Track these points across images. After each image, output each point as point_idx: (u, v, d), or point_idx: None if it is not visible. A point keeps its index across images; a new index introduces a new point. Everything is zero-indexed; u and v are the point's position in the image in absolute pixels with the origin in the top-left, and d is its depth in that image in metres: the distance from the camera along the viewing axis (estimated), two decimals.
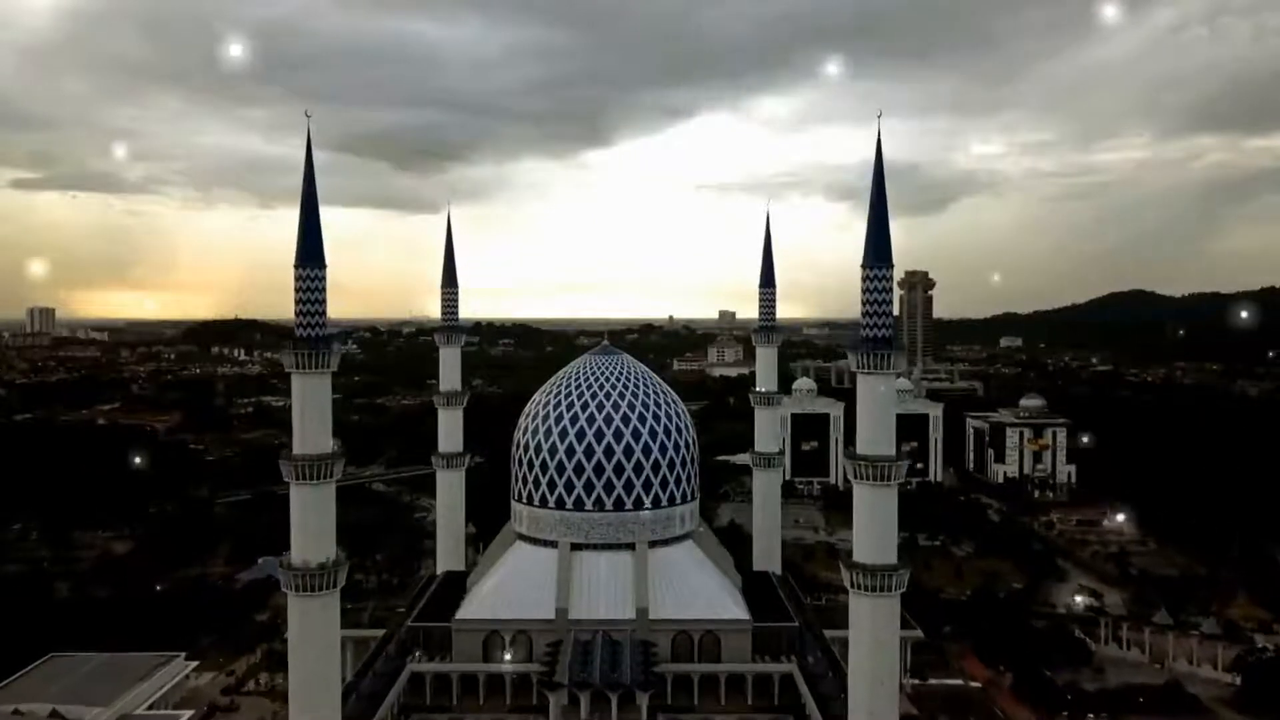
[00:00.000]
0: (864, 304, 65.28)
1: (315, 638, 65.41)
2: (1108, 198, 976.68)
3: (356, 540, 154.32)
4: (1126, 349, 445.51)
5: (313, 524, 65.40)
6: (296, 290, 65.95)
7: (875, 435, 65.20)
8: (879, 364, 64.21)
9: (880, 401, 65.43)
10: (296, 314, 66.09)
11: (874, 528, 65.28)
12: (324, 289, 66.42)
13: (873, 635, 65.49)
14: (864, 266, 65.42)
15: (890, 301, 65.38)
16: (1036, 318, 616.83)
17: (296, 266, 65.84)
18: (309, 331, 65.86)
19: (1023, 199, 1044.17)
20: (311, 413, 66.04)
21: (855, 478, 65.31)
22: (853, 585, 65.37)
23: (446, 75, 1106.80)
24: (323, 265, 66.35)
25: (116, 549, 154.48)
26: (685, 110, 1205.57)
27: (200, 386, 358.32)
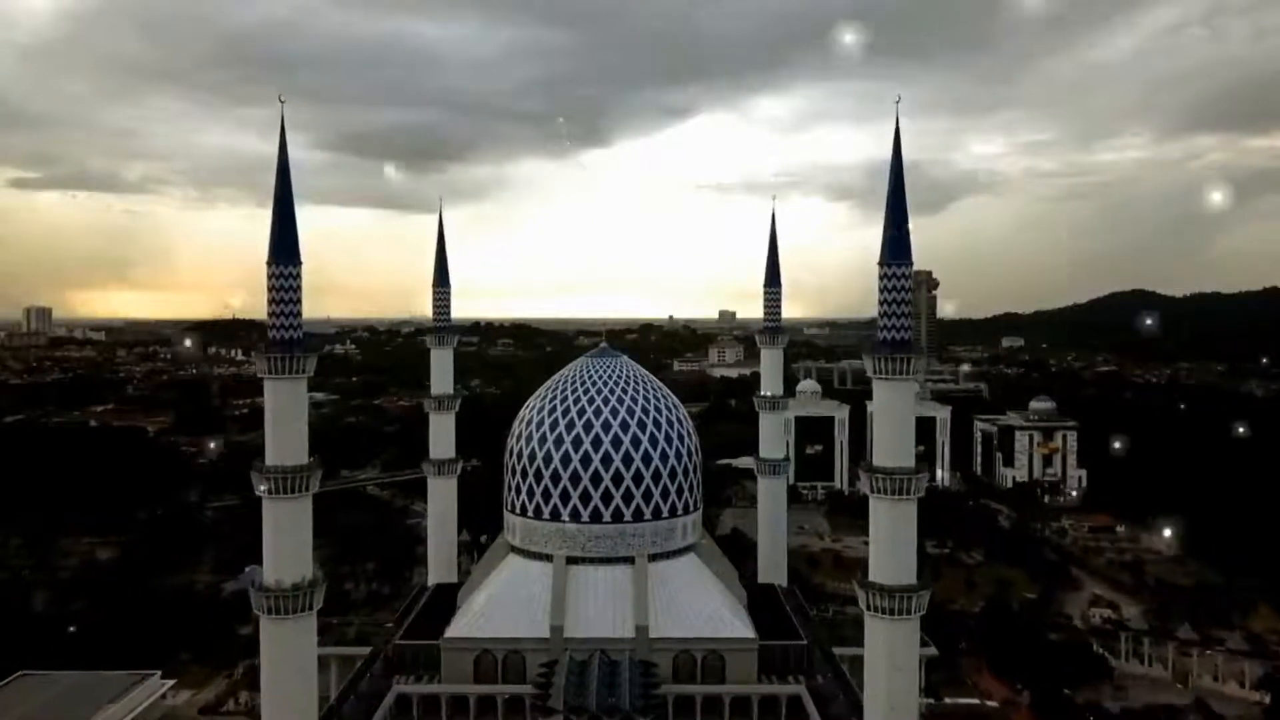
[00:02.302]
0: (881, 304, 60.58)
1: (290, 663, 60.89)
2: (1108, 198, 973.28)
3: (347, 547, 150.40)
4: (1128, 349, 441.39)
5: (287, 541, 60.83)
6: (270, 290, 61.35)
7: (893, 445, 60.48)
8: (898, 369, 59.49)
9: (899, 409, 60.76)
10: (270, 314, 61.50)
11: (892, 545, 60.57)
12: (299, 288, 61.85)
13: (890, 660, 60.78)
14: (881, 264, 60.68)
15: (909, 301, 60.65)
16: (1037, 318, 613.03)
17: (269, 264, 61.19)
18: (283, 333, 61.26)
19: (1023, 199, 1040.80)
20: (286, 421, 61.48)
21: (872, 491, 60.55)
22: (869, 607, 60.59)
23: (445, 75, 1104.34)
24: (298, 262, 61.77)
25: (100, 556, 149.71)
26: (685, 110, 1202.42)
27: (196, 387, 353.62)
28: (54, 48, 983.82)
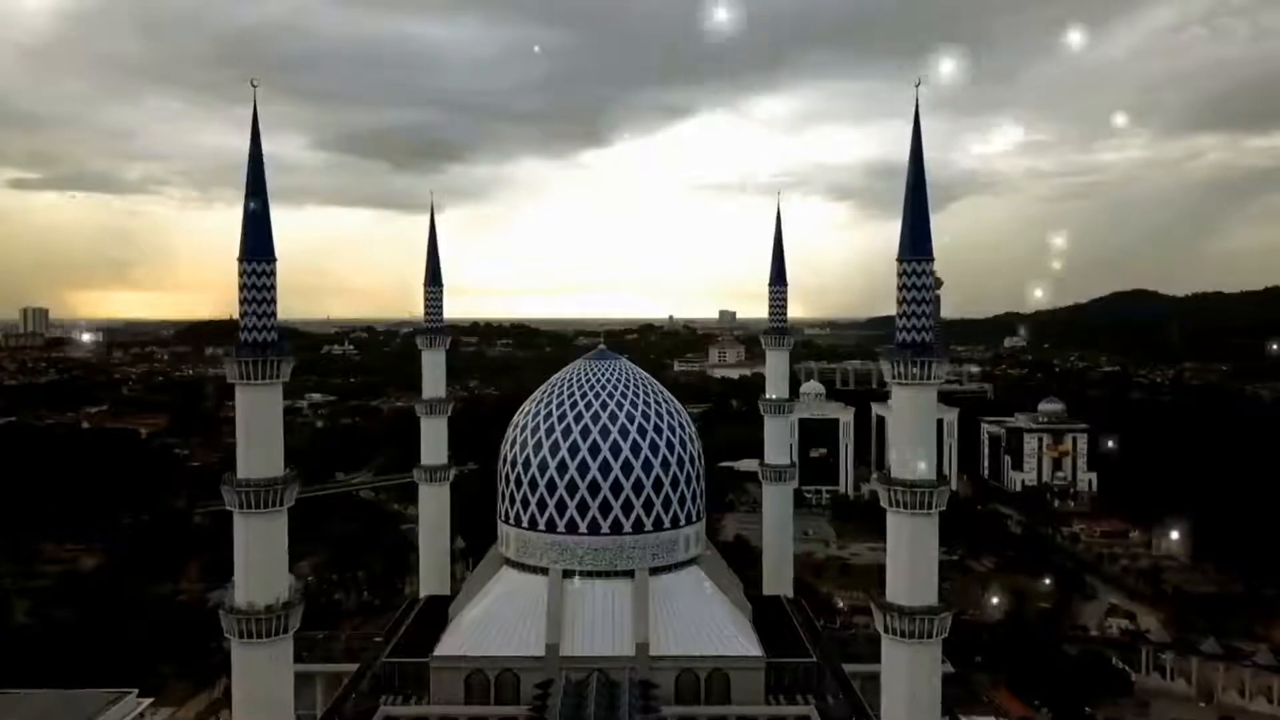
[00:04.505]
0: (900, 302, 56.19)
1: (263, 692, 56.42)
2: (1108, 198, 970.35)
3: (339, 555, 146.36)
4: (1132, 349, 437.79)
5: (260, 559, 56.41)
6: (241, 289, 56.76)
7: (914, 455, 55.92)
8: (919, 373, 55.06)
9: (920, 417, 56.33)
10: (241, 315, 56.97)
11: (911, 563, 56.19)
12: (274, 286, 57.34)
13: (910, 687, 56.62)
14: (900, 260, 56.36)
15: (931, 300, 56.32)
16: (1038, 318, 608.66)
17: (240, 260, 56.74)
18: (256, 335, 56.86)
19: (1023, 199, 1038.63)
20: (259, 430, 57.06)
21: (890, 505, 56.07)
22: (887, 630, 56.29)
23: (445, 75, 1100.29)
24: (272, 259, 57.32)
25: (84, 564, 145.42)
26: (685, 110, 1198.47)
27: (191, 388, 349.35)
28: (53, 48, 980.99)
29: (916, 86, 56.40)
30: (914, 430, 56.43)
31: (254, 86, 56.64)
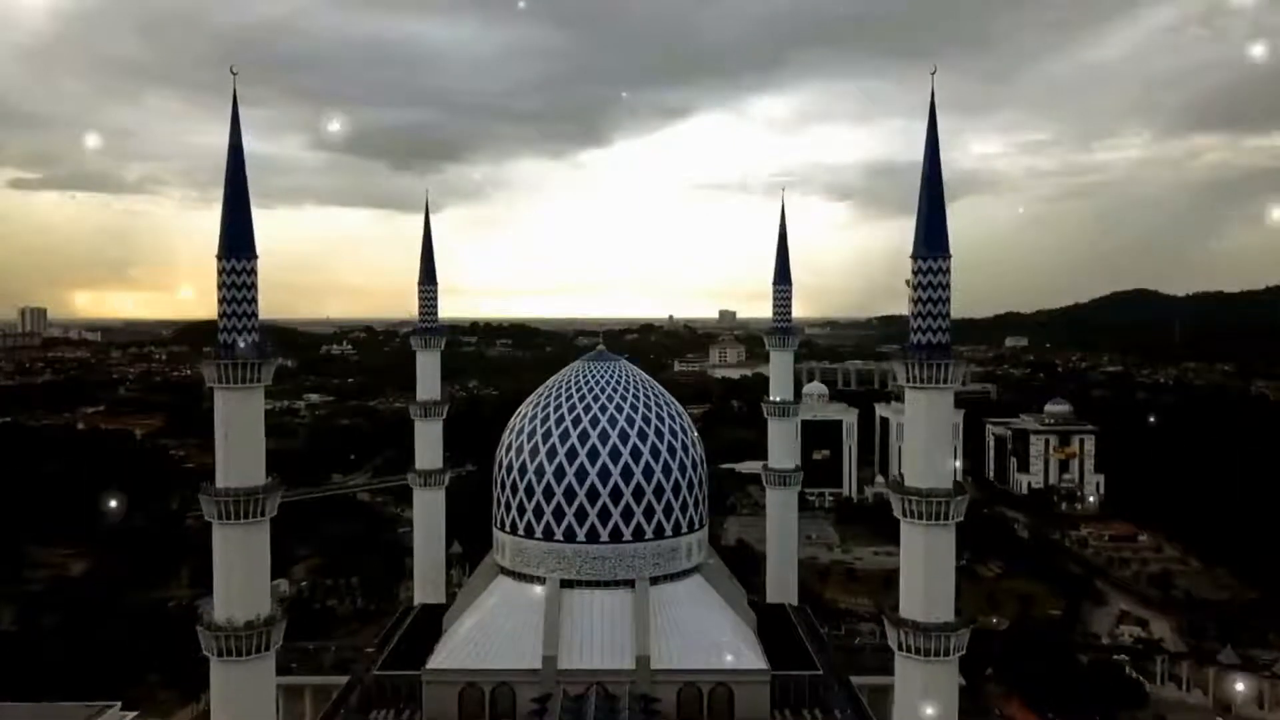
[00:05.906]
0: (915, 302, 53.30)
1: (244, 711, 53.69)
2: (1108, 197, 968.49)
3: (334, 558, 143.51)
4: (1134, 349, 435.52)
5: (240, 572, 53.69)
6: (221, 287, 53.92)
7: (930, 463, 53.07)
8: (935, 376, 52.13)
9: (936, 422, 53.34)
10: (220, 315, 54.14)
11: (927, 577, 53.33)
12: (255, 284, 54.50)
13: (924, 707, 53.66)
14: (914, 257, 53.46)
15: (948, 300, 53.30)
16: (1039, 317, 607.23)
17: (219, 258, 53.84)
18: (236, 337, 53.98)
19: (1023, 199, 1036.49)
20: (239, 436, 54.40)
21: (904, 515, 53.17)
22: (901, 647, 53.43)
23: (445, 75, 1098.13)
24: (253, 256, 54.47)
25: (73, 569, 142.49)
26: (684, 110, 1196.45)
27: (188, 389, 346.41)
28: (53, 48, 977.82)
29: (932, 74, 53.89)
30: (929, 435, 53.49)
31: (234, 74, 54.05)
